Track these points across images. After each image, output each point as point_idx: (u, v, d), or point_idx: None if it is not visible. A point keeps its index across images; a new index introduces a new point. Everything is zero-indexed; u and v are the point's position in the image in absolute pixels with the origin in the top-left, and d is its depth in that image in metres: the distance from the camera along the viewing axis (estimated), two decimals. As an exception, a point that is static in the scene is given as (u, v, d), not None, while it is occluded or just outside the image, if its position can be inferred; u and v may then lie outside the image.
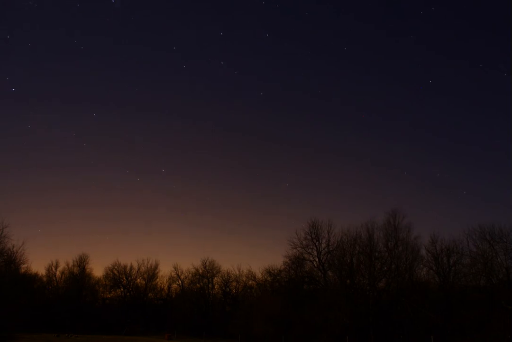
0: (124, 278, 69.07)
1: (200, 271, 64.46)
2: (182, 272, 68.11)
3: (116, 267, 68.83)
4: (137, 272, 69.69)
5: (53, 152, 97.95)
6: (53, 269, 67.19)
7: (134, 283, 69.54)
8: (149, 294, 70.06)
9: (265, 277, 56.38)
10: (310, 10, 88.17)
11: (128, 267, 69.36)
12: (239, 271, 65.08)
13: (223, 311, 61.61)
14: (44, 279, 67.04)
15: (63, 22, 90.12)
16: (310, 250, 46.55)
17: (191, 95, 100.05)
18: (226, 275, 64.37)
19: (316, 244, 46.52)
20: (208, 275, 64.11)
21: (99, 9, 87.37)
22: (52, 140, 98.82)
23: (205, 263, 64.43)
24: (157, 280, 70.09)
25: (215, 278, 64.45)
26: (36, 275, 65.27)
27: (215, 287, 64.75)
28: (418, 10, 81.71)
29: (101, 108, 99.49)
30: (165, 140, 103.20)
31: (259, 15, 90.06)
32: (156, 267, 69.77)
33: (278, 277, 51.59)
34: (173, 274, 68.79)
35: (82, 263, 66.36)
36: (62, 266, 67.76)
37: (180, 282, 68.28)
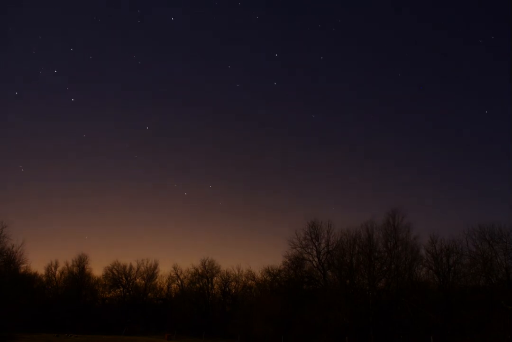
0: (124, 278, 69.03)
1: (200, 271, 64.47)
2: (181, 272, 68.19)
3: (115, 267, 68.85)
4: (137, 271, 69.69)
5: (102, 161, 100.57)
6: (53, 268, 67.20)
7: (134, 283, 69.49)
8: (149, 294, 70.01)
9: (265, 277, 56.48)
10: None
11: (128, 267, 69.41)
12: (238, 271, 65.08)
13: (223, 311, 61.62)
14: (44, 279, 66.99)
15: (119, 38, 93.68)
16: (309, 250, 46.65)
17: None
18: (225, 275, 64.44)
19: (316, 244, 46.60)
20: (208, 275, 64.10)
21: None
22: (107, 150, 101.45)
23: (205, 262, 64.49)
24: (157, 280, 70.12)
25: (215, 278, 64.48)
26: (35, 275, 65.19)
27: (215, 287, 64.79)
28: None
29: (154, 121, 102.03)
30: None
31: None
32: (155, 267, 69.83)
33: (277, 277, 51.60)
34: (172, 274, 68.89)
35: (81, 262, 66.31)
36: (61, 265, 67.77)
37: (179, 282, 68.32)
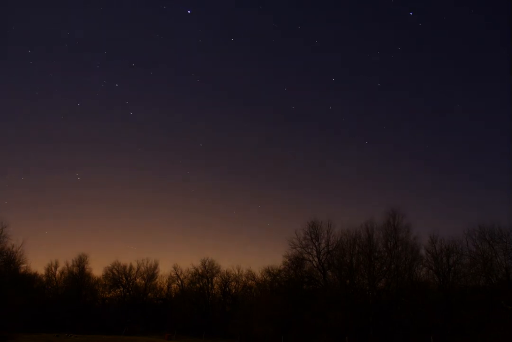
0: (124, 278, 69.03)
1: (200, 271, 64.49)
2: (181, 272, 68.21)
3: (115, 267, 68.87)
4: (137, 271, 69.72)
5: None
6: (53, 268, 67.24)
7: (134, 283, 69.51)
8: (149, 294, 70.04)
9: (265, 277, 56.47)
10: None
11: (128, 267, 69.45)
12: (238, 271, 65.06)
13: (223, 311, 61.63)
14: (44, 279, 67.04)
15: (179, 54, 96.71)
16: (309, 250, 46.53)
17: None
18: (225, 275, 64.45)
19: (316, 244, 46.51)
20: (208, 275, 64.11)
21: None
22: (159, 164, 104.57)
23: (205, 262, 64.50)
24: (157, 280, 70.20)
25: (215, 278, 64.51)
26: (35, 275, 65.23)
27: (215, 287, 64.82)
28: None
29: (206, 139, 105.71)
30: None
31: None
32: (155, 266, 69.89)
33: (277, 277, 51.55)
34: (172, 274, 68.91)
35: (81, 262, 66.25)
36: (61, 265, 67.83)
37: (179, 282, 68.31)
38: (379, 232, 40.79)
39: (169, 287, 70.22)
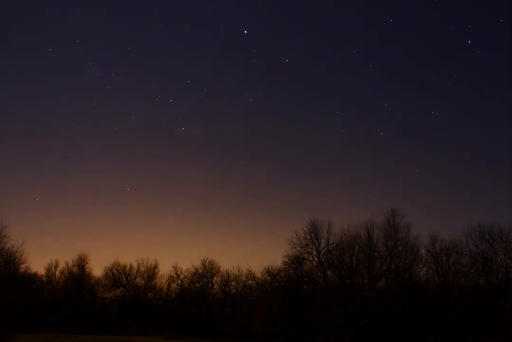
0: (124, 278, 69.05)
1: (200, 270, 64.38)
2: (181, 272, 68.00)
3: (115, 267, 68.89)
4: (137, 271, 69.72)
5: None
6: (53, 269, 67.23)
7: (134, 283, 69.55)
8: (149, 294, 70.04)
9: (265, 276, 56.37)
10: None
11: (128, 267, 69.45)
12: (238, 271, 64.78)
13: (223, 311, 61.62)
14: (44, 279, 67.09)
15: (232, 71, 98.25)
16: (309, 250, 46.63)
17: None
18: (225, 274, 64.24)
19: (316, 244, 46.57)
20: (208, 274, 64.04)
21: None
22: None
23: (205, 262, 64.37)
24: (157, 279, 70.12)
25: (215, 278, 64.36)
26: (35, 275, 65.26)
27: (215, 287, 64.67)
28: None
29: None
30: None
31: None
32: (155, 266, 69.84)
33: (277, 277, 51.57)
34: (172, 273, 68.75)
35: (81, 262, 66.07)
36: (61, 265, 67.71)
37: (179, 281, 68.22)
38: (379, 232, 41.01)
39: (169, 287, 70.17)
